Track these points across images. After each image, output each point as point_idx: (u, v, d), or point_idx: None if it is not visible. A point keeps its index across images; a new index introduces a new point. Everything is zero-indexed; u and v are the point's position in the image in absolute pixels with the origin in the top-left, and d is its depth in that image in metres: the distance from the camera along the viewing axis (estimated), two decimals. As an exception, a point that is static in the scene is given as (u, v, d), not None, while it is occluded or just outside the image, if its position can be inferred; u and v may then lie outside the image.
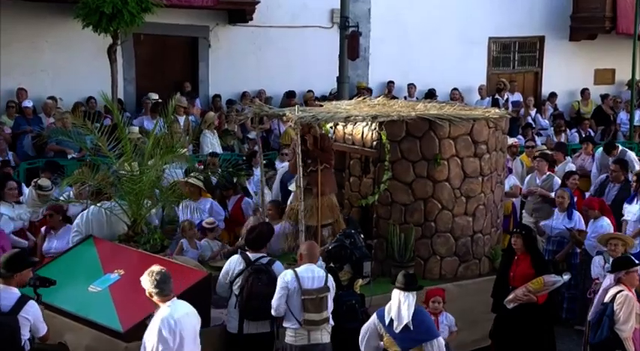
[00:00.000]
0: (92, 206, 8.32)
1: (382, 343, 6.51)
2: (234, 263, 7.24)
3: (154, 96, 14.66)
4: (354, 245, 7.50)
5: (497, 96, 17.98)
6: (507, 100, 17.87)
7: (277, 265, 7.24)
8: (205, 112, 14.74)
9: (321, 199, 8.63)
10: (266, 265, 7.13)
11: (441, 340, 6.45)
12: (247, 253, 7.31)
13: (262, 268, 7.08)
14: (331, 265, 7.33)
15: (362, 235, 7.86)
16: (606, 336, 7.17)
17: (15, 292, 6.08)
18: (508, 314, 7.75)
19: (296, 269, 6.95)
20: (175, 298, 5.88)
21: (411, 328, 6.31)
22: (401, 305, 6.35)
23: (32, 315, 6.06)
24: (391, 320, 6.38)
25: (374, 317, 6.53)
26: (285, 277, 6.89)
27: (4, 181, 9.70)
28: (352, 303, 7.17)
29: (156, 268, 5.90)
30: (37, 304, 6.14)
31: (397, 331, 6.34)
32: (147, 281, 5.82)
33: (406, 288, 6.41)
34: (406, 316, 6.31)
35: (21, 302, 6.03)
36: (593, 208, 9.55)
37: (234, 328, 7.10)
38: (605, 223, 9.37)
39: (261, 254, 7.26)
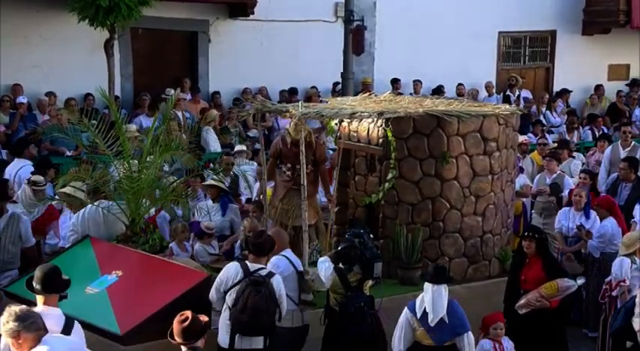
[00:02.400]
0: (89, 205, 8.14)
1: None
2: (232, 273, 6.77)
3: (171, 91, 14.34)
4: (363, 245, 7.32)
5: (508, 92, 17.72)
6: (519, 96, 17.60)
7: (277, 279, 6.77)
8: (205, 109, 14.50)
9: (308, 200, 8.29)
10: (265, 278, 6.68)
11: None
12: (246, 262, 6.88)
13: (261, 280, 6.63)
14: (340, 265, 7.13)
15: (371, 235, 7.73)
16: (620, 325, 7.10)
17: (59, 313, 5.50)
18: (520, 320, 7.59)
19: (286, 255, 7.20)
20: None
21: (446, 321, 6.41)
22: (435, 299, 6.41)
23: (80, 337, 5.51)
24: (424, 313, 6.43)
25: (405, 311, 6.58)
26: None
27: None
28: (361, 305, 6.99)
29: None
30: (80, 324, 5.63)
31: (432, 324, 6.41)
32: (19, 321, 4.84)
33: (437, 280, 6.45)
34: (442, 310, 6.39)
35: (69, 324, 5.43)
36: (602, 207, 9.36)
37: (225, 342, 6.70)
38: (609, 224, 9.16)
39: (260, 265, 6.82)
